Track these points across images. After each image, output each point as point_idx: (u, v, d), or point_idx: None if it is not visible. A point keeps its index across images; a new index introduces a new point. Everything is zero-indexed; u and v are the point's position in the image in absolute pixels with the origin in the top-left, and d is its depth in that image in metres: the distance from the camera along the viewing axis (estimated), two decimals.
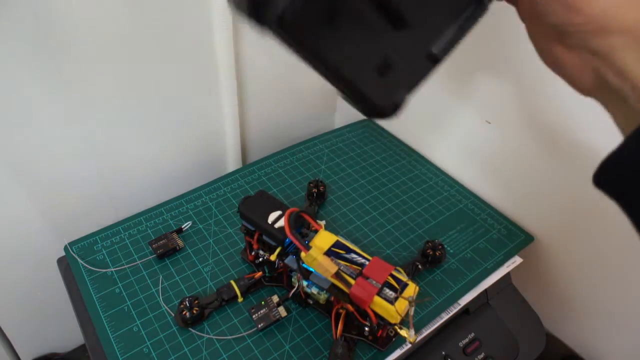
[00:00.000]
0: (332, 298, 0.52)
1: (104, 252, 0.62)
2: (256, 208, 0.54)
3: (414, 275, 0.60)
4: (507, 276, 0.64)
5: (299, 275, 0.53)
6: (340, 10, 0.27)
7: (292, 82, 0.84)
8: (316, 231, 0.52)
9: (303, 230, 0.52)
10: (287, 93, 0.86)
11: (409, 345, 0.53)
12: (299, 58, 0.28)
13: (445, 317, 0.57)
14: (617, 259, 0.60)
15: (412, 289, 0.47)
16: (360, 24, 0.28)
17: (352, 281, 0.48)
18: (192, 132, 0.75)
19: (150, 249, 0.61)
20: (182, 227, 0.64)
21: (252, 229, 0.55)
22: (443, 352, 0.57)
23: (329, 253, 0.49)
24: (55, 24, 0.53)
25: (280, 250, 0.53)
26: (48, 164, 0.64)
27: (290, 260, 0.53)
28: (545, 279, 0.71)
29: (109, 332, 0.53)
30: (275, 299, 0.55)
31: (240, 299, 0.56)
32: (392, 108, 0.33)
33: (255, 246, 0.56)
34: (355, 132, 0.87)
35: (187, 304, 0.53)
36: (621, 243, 0.58)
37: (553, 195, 0.64)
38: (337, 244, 0.50)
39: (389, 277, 0.48)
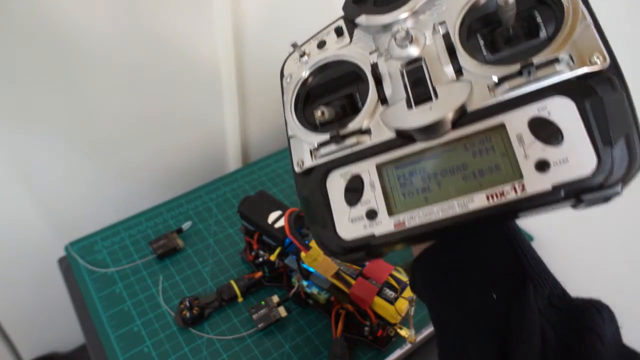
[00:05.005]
0: (332, 298, 0.52)
1: (104, 252, 0.62)
2: (256, 208, 0.55)
3: None
4: None
5: (299, 275, 0.53)
6: None
7: None
8: None
9: (303, 230, 0.52)
10: None
11: (409, 345, 0.53)
12: None
13: None
14: (615, 259, 0.60)
15: None
16: None
17: (352, 281, 0.48)
18: (193, 132, 0.75)
19: (151, 249, 0.61)
20: (182, 227, 0.64)
21: (252, 229, 0.55)
22: None
23: None
24: (59, 29, 0.53)
25: (280, 250, 0.53)
26: (49, 164, 0.64)
27: (290, 260, 0.53)
28: None
29: (109, 331, 0.53)
30: (275, 299, 0.55)
31: (240, 299, 0.56)
32: None
33: (255, 246, 0.56)
34: None
35: (187, 304, 0.53)
36: (620, 243, 0.58)
37: None
38: None
39: (389, 277, 0.49)
